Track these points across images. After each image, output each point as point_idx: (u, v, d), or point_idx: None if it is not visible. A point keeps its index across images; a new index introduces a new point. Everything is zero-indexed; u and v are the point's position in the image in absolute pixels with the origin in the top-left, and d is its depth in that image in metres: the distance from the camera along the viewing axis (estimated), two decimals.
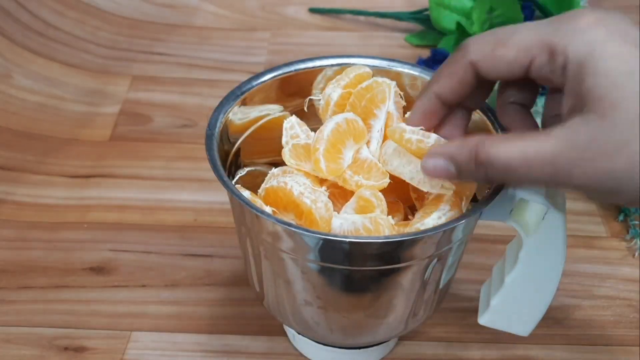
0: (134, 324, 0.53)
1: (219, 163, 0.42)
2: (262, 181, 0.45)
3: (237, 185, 0.44)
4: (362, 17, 0.86)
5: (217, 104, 0.46)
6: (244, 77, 0.48)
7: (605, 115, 0.31)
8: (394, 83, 0.47)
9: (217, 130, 0.45)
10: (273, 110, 0.49)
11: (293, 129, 0.46)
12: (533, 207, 0.42)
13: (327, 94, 0.46)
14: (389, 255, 0.40)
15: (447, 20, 0.78)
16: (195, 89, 0.76)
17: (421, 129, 0.43)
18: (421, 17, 0.84)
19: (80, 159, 0.67)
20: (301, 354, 0.52)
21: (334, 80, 0.46)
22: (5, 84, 0.74)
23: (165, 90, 0.76)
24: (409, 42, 0.83)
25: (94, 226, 0.61)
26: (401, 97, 0.48)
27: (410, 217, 0.46)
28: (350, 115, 0.44)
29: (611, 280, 0.58)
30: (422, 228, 0.41)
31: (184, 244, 0.59)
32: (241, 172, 0.48)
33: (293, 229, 0.39)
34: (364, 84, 0.46)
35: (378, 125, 0.45)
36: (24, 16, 0.80)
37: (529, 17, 0.74)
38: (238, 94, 0.47)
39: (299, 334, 0.50)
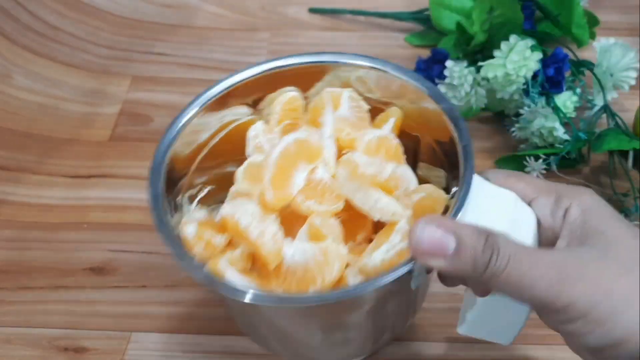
0: (134, 325, 0.53)
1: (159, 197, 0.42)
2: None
3: (183, 220, 0.42)
4: (362, 17, 0.86)
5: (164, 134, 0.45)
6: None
7: (606, 248, 0.36)
8: (346, 90, 0.45)
9: (165, 164, 0.44)
10: (242, 114, 0.47)
11: (257, 138, 0.44)
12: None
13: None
14: (325, 311, 0.40)
15: (448, 20, 0.78)
16: (195, 89, 0.75)
17: (377, 159, 0.42)
18: (421, 17, 0.84)
19: (81, 159, 0.67)
20: None
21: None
22: (5, 84, 0.74)
23: (166, 91, 0.76)
24: (409, 42, 0.83)
25: (94, 226, 0.61)
26: (365, 102, 0.46)
27: (373, 236, 0.43)
28: (301, 134, 0.42)
29: None
30: (370, 264, 0.39)
31: None
32: (203, 190, 0.46)
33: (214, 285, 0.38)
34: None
35: (326, 132, 0.44)
36: (23, 16, 0.79)
37: (529, 17, 0.74)
38: (196, 105, 0.46)
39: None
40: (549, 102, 0.66)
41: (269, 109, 0.46)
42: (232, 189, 0.44)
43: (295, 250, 0.40)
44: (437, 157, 0.46)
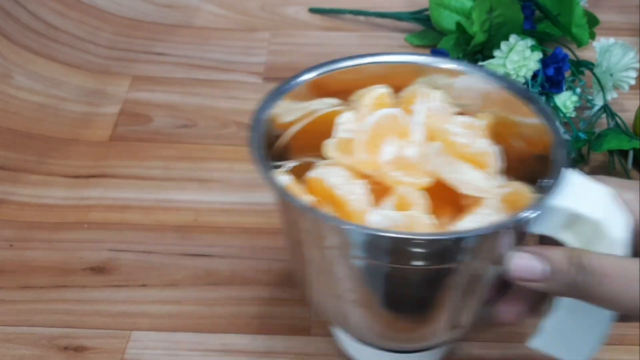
0: (134, 324, 0.53)
1: (259, 147, 0.41)
2: None
3: (278, 171, 0.43)
4: (362, 17, 0.87)
5: (265, 97, 0.44)
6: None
7: None
8: (438, 91, 0.45)
9: (263, 121, 0.43)
10: (329, 104, 0.47)
11: (346, 124, 0.44)
12: (587, 223, 0.39)
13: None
14: (405, 254, 0.38)
15: (447, 20, 0.78)
16: (195, 89, 0.76)
17: (468, 132, 0.41)
18: (421, 17, 0.84)
19: (81, 159, 0.67)
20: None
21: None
22: (6, 84, 0.74)
23: (166, 91, 0.76)
24: (409, 42, 0.83)
25: (94, 226, 0.61)
26: (454, 106, 0.46)
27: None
28: (396, 110, 0.43)
29: None
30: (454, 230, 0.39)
31: (184, 243, 0.60)
32: (290, 164, 0.45)
33: (316, 216, 0.38)
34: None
35: (418, 118, 0.44)
36: (24, 16, 0.80)
37: (529, 16, 0.74)
38: (287, 88, 0.45)
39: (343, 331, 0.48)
40: (549, 101, 0.66)
41: (359, 102, 0.46)
42: (320, 162, 0.44)
43: (382, 216, 0.40)
44: (519, 170, 0.44)
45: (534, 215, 0.38)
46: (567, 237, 0.39)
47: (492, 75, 0.46)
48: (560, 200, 0.38)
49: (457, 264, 0.39)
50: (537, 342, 0.44)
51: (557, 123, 0.43)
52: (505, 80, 0.46)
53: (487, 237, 0.38)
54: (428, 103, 0.45)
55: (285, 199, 0.39)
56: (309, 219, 0.39)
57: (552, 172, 0.40)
